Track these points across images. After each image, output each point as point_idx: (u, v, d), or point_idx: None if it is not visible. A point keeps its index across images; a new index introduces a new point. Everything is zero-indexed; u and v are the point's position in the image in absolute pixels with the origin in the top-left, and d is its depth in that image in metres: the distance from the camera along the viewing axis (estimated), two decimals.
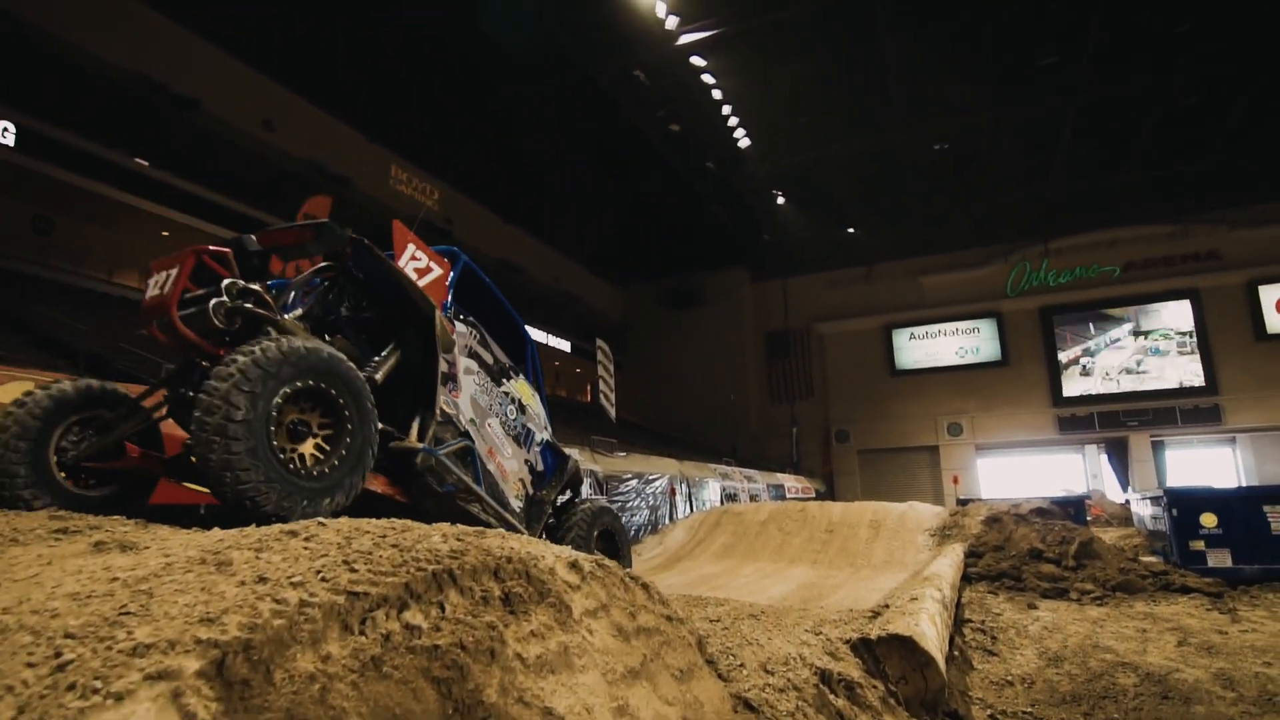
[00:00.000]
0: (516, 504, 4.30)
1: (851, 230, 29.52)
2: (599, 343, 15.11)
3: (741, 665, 2.06)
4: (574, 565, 1.57)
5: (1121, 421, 26.84)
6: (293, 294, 3.47)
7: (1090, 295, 28.19)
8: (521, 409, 4.58)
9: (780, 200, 26.86)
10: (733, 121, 21.70)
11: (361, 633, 1.06)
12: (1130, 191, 25.96)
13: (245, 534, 1.43)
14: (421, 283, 3.50)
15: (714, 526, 11.64)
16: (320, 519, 1.56)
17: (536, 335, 29.11)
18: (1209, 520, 7.51)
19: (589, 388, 34.86)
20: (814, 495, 25.80)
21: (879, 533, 11.00)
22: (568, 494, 5.01)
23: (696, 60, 18.75)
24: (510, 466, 4.28)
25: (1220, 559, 7.39)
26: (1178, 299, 26.96)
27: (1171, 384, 26.69)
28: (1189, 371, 26.57)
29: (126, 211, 16.51)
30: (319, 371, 2.60)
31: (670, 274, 33.41)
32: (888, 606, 5.52)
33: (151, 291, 2.79)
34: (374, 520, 1.60)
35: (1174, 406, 26.30)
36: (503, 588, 1.32)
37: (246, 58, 17.61)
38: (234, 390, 2.27)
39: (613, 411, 14.40)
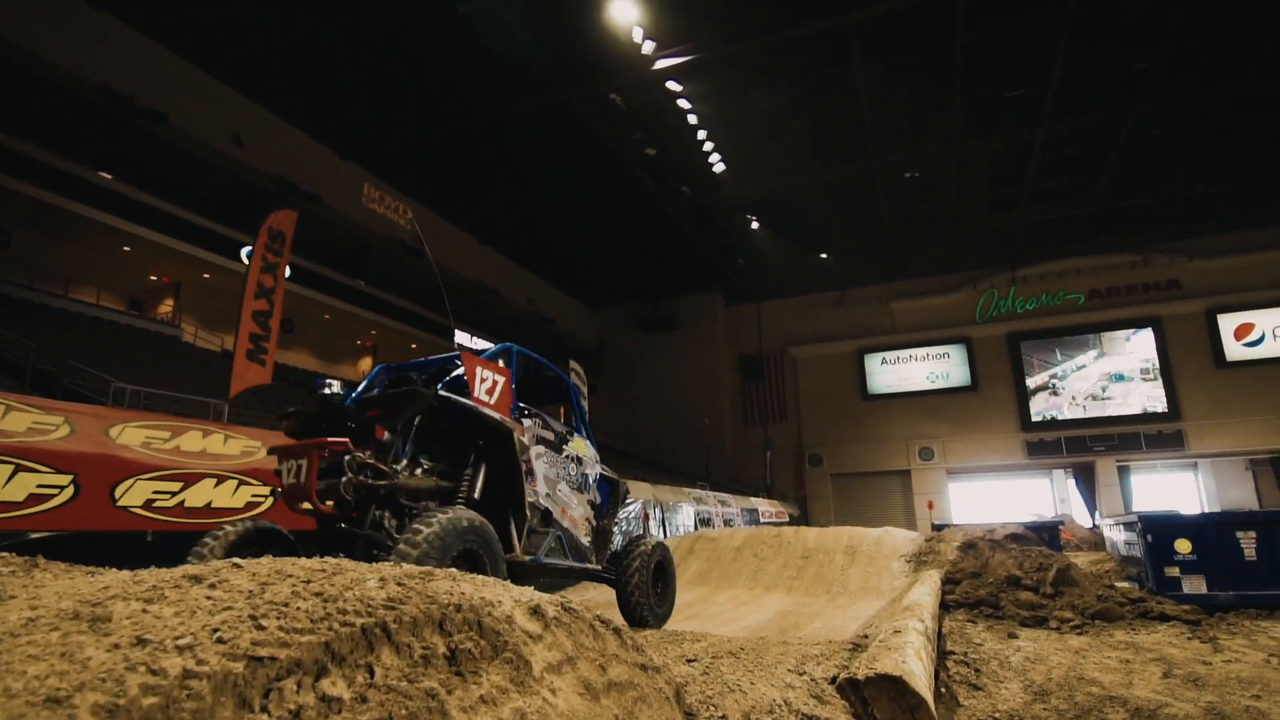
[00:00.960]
0: (585, 540, 5.00)
1: (824, 256, 29.81)
2: (573, 365, 14.89)
3: (724, 717, 1.86)
4: (535, 611, 1.36)
5: (1088, 446, 27.24)
6: (398, 444, 3.99)
7: (1056, 322, 28.77)
8: (579, 461, 5.20)
9: (754, 225, 27.04)
10: (708, 146, 21.83)
11: (264, 709, 0.84)
12: (1094, 221, 26.65)
13: (139, 579, 1.19)
14: (493, 399, 4.08)
15: (688, 552, 11.40)
16: (236, 559, 1.34)
17: None
18: (1183, 546, 7.48)
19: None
20: (788, 520, 25.66)
21: (854, 559, 10.85)
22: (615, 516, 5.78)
23: (672, 85, 18.85)
24: (578, 514, 4.96)
25: (1195, 585, 7.35)
26: (1140, 326, 27.61)
27: (1136, 410, 27.20)
28: (1152, 398, 27.12)
29: (87, 225, 16.01)
30: (476, 538, 3.33)
31: (645, 297, 33.38)
32: (867, 637, 5.35)
33: (288, 479, 3.44)
34: (302, 561, 1.38)
35: (1138, 432, 26.78)
36: (448, 643, 1.11)
37: (216, 71, 17.28)
38: (427, 545, 2.99)
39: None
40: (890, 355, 31.15)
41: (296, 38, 16.99)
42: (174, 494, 7.13)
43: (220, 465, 7.48)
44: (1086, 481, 27.58)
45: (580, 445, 5.30)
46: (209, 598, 1.06)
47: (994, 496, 29.06)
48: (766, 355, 33.20)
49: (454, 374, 4.33)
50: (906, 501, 29.46)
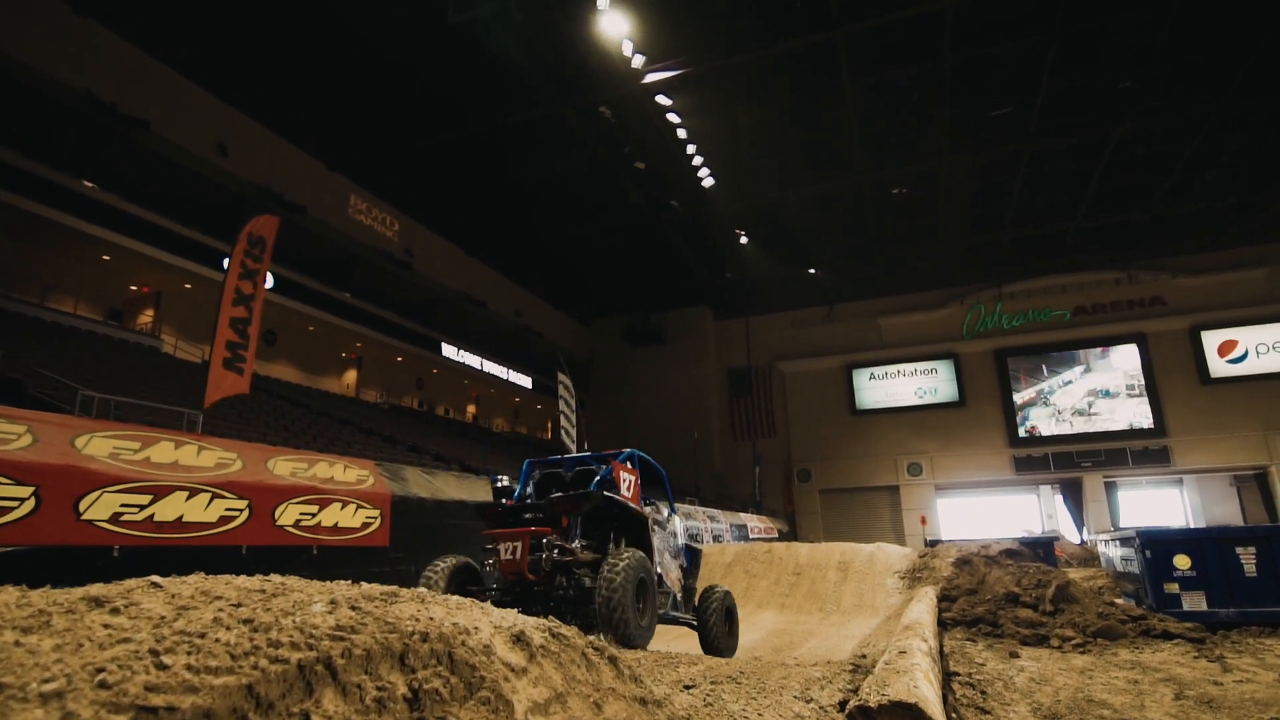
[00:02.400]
0: (679, 597, 6.25)
1: (813, 271, 29.83)
2: (560, 376, 14.71)
3: None
4: (519, 639, 1.14)
5: (1075, 462, 27.24)
6: (575, 529, 5.48)
7: (1042, 338, 28.88)
8: (675, 535, 6.66)
9: (743, 239, 27.01)
10: (697, 160, 21.78)
11: None
12: (1079, 238, 26.85)
13: (27, 601, 0.96)
14: (631, 494, 5.79)
15: None
16: (156, 578, 1.12)
17: (497, 371, 28.57)
18: (1183, 562, 7.33)
19: (549, 424, 34.15)
20: (777, 536, 25.41)
21: (847, 575, 10.66)
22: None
23: (662, 99, 18.81)
24: (674, 575, 6.31)
25: (1195, 602, 7.20)
26: (1125, 343, 27.75)
27: (1122, 425, 27.27)
28: (1138, 413, 27.21)
29: (67, 233, 15.63)
30: (645, 571, 4.93)
31: (634, 310, 33.24)
32: (865, 657, 5.13)
33: (505, 556, 4.99)
34: (241, 579, 1.16)
35: (1124, 448, 26.82)
36: (410, 681, 0.89)
37: (201, 79, 17.02)
38: (625, 572, 4.63)
39: (574, 448, 13.95)
40: (878, 370, 31.13)
41: (283, 46, 16.81)
42: (143, 507, 6.81)
43: (193, 478, 7.18)
44: (1074, 497, 27.55)
45: (674, 522, 6.75)
46: (106, 626, 0.84)
47: (982, 512, 28.97)
48: (755, 370, 33.10)
49: (601, 475, 5.69)
50: (895, 517, 29.31)
